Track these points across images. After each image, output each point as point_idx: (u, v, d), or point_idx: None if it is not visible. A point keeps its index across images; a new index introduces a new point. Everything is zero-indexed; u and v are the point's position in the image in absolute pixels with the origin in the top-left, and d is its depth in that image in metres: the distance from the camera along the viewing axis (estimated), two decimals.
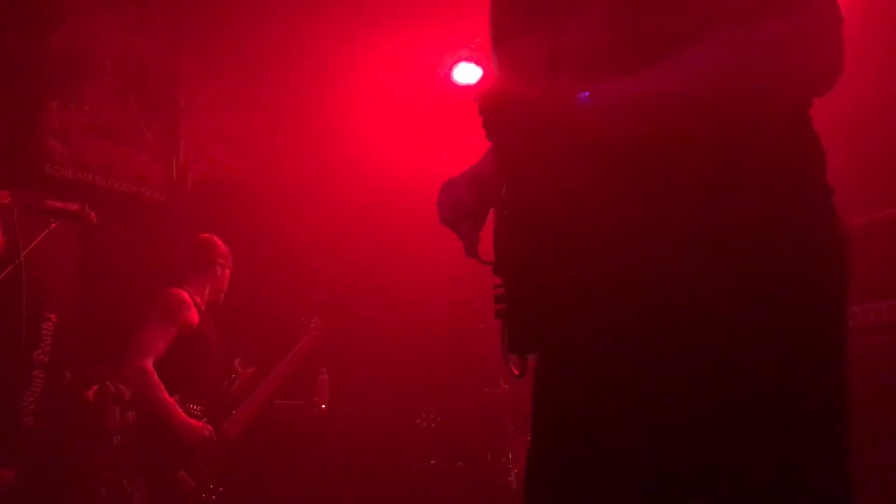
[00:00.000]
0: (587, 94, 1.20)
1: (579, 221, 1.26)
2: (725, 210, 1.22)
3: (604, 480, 1.29)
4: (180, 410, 3.73)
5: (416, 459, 4.90)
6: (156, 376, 3.69)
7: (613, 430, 1.28)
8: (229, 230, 4.70)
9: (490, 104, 1.26)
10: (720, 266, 1.22)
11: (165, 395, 3.70)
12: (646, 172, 1.24)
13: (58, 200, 3.40)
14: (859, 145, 3.91)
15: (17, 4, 4.69)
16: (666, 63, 1.20)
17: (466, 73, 5.71)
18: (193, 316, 3.96)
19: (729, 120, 1.23)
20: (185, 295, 3.97)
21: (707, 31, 1.20)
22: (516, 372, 1.39)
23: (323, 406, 5.04)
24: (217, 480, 3.84)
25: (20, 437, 3.37)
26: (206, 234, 4.27)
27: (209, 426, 3.81)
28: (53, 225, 3.30)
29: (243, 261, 4.41)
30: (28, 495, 3.33)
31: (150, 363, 3.72)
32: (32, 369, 3.60)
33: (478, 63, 5.65)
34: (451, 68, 5.69)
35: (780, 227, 1.23)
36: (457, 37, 5.61)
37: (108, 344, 4.28)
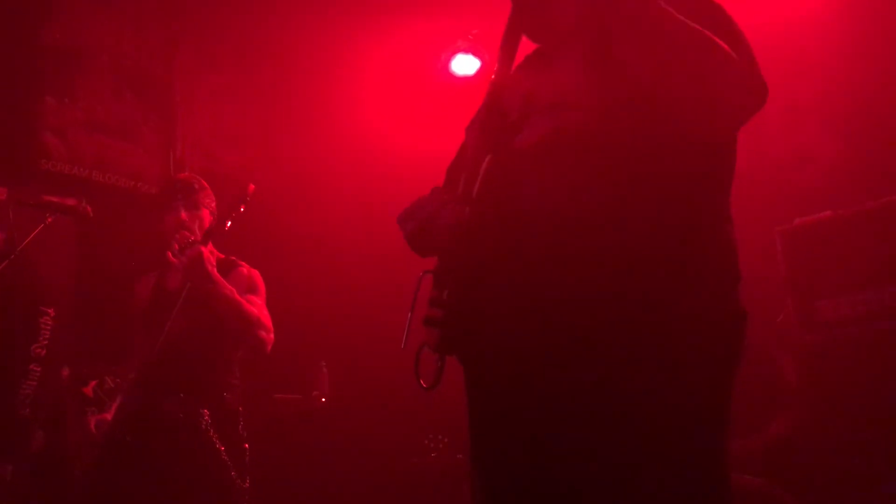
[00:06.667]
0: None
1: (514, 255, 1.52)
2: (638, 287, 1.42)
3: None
4: None
5: (415, 453, 4.89)
6: None
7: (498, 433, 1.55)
8: None
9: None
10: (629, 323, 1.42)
11: None
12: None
13: (54, 195, 3.39)
14: (859, 135, 3.90)
15: (11, 0, 4.66)
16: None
17: (464, 65, 5.70)
18: None
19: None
20: None
21: None
22: (425, 385, 1.56)
23: (323, 399, 5.03)
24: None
25: (17, 429, 3.36)
26: None
27: None
28: (50, 220, 3.29)
29: (242, 255, 4.40)
30: (26, 491, 3.32)
31: None
32: (29, 363, 3.58)
33: (475, 54, 5.64)
34: (449, 60, 5.68)
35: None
36: (455, 29, 5.59)
37: (104, 339, 4.27)
